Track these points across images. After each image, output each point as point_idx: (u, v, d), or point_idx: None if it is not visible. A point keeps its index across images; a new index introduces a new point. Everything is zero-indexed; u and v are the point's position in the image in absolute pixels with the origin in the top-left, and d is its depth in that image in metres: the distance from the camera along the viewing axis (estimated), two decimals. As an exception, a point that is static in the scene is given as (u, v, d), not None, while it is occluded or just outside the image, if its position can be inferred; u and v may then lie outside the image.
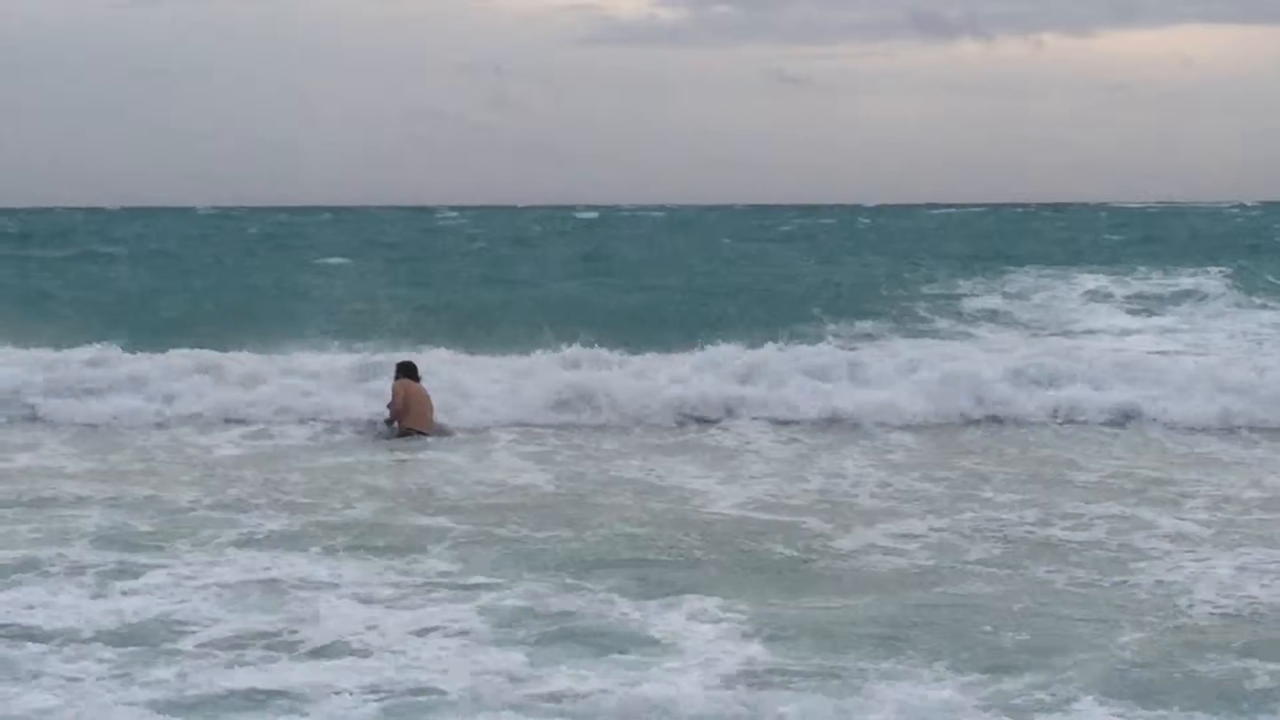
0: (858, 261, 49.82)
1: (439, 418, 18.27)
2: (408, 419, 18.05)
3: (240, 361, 20.73)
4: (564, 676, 8.66)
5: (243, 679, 8.59)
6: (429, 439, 17.78)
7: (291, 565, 11.28)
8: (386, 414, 18.19)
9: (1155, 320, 31.69)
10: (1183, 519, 13.07)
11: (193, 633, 9.52)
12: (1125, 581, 10.92)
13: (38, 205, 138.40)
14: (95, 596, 10.40)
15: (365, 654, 9.10)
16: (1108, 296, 35.52)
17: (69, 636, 9.45)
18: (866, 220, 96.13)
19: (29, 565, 11.26)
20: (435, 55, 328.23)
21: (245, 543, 12.06)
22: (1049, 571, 11.23)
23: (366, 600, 10.30)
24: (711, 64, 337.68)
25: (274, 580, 10.83)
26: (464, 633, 9.56)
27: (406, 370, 18.59)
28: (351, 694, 8.34)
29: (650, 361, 21.08)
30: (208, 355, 20.84)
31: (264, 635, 9.47)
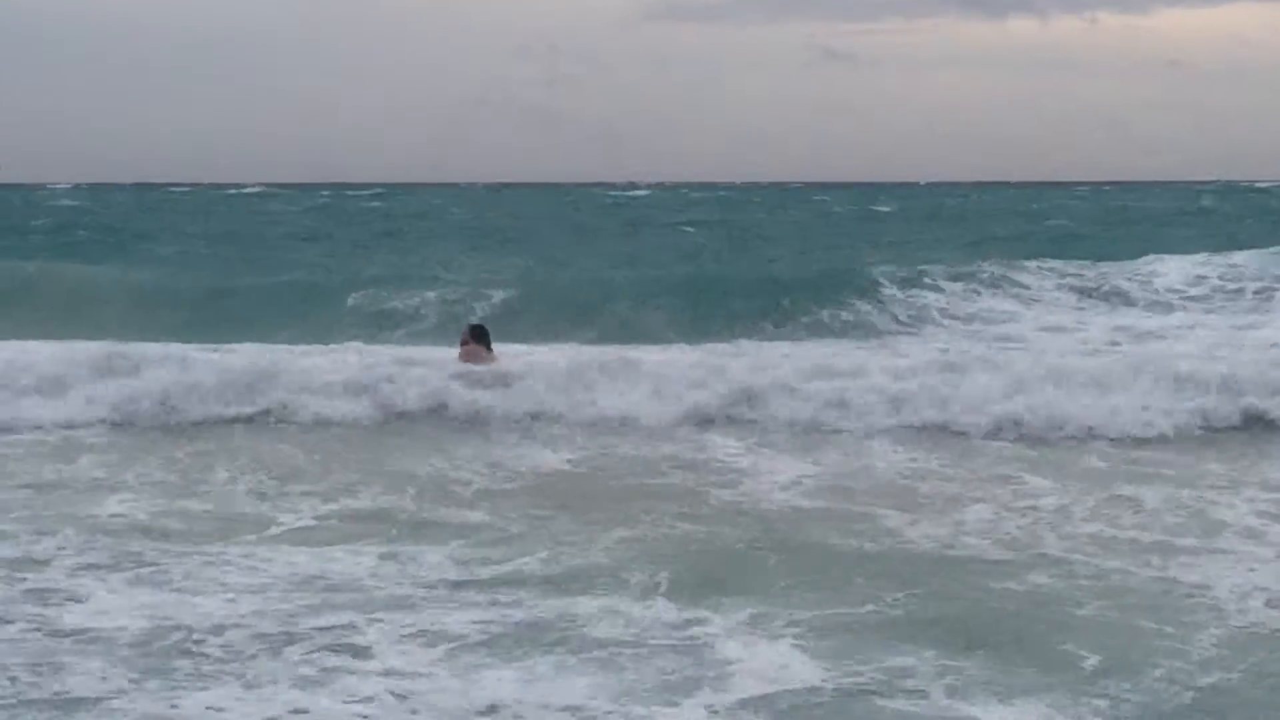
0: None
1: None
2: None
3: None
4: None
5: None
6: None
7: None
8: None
9: None
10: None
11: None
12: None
13: (95, 181, 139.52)
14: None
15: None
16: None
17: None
18: (959, 198, 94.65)
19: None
20: (488, 35, 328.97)
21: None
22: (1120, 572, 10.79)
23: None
24: (757, 41, 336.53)
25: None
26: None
27: (475, 334, 18.92)
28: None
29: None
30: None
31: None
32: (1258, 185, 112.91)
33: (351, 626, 9.20)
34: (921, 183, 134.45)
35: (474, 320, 21.54)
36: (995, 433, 16.46)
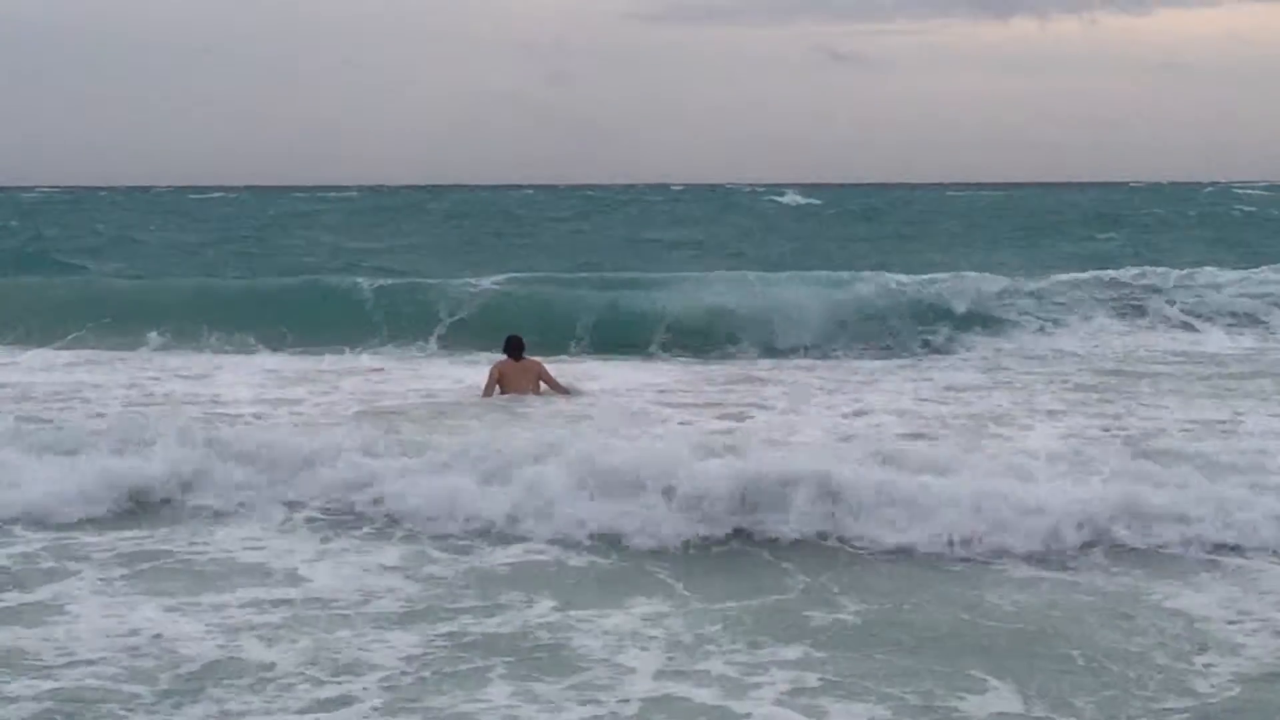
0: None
1: (567, 382, 18.28)
2: (507, 393, 17.87)
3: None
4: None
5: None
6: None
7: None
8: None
9: None
10: None
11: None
12: None
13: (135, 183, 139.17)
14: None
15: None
16: None
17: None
18: (996, 193, 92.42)
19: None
20: (494, 33, 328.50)
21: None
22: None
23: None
24: (762, 41, 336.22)
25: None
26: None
27: (507, 346, 18.37)
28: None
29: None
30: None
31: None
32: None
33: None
34: (924, 183, 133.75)
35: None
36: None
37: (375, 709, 7.96)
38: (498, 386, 18.00)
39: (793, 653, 8.85)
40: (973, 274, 27.98)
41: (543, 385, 18.08)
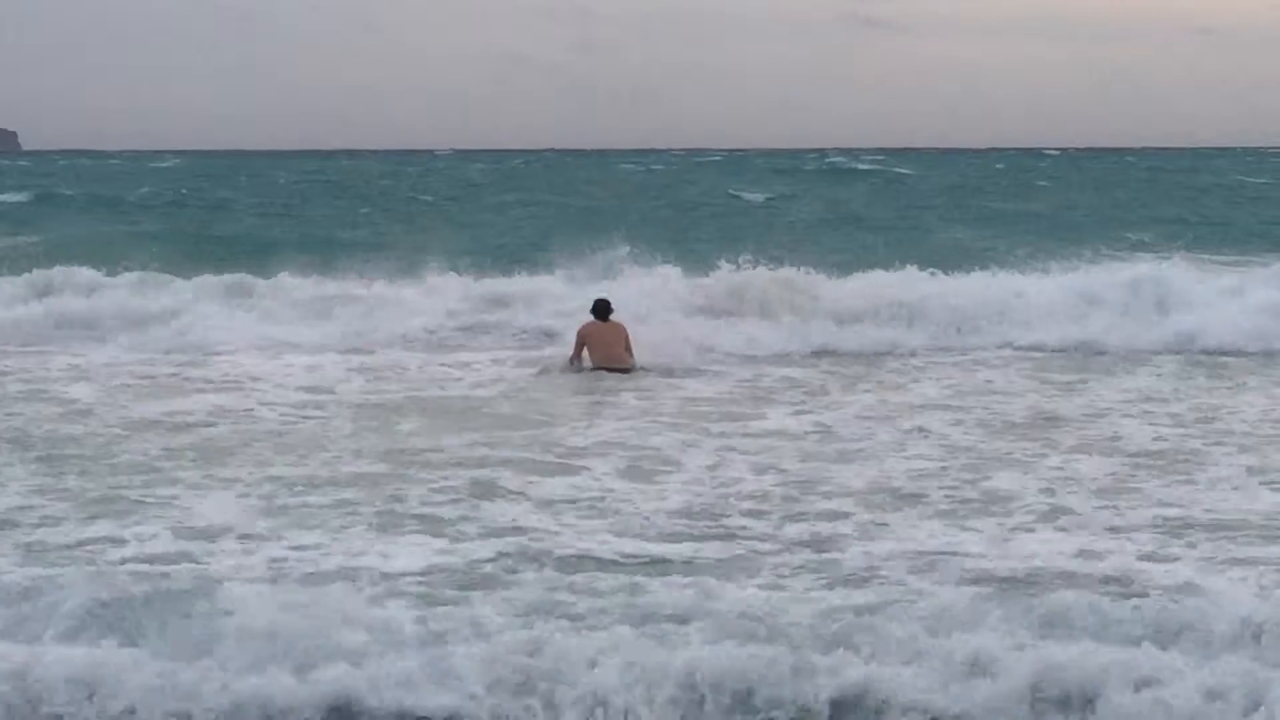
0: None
1: (644, 355, 17.82)
2: (595, 358, 17.68)
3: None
4: None
5: None
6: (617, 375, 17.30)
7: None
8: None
9: None
10: None
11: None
12: None
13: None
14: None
15: None
16: None
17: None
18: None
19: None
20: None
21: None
22: None
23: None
24: (790, 6, 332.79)
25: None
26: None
27: (595, 308, 18.16)
28: None
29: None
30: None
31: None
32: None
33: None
34: (962, 148, 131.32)
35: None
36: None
37: None
38: (585, 351, 17.77)
39: None
40: None
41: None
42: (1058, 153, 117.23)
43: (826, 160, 79.26)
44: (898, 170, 76.68)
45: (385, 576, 8.79)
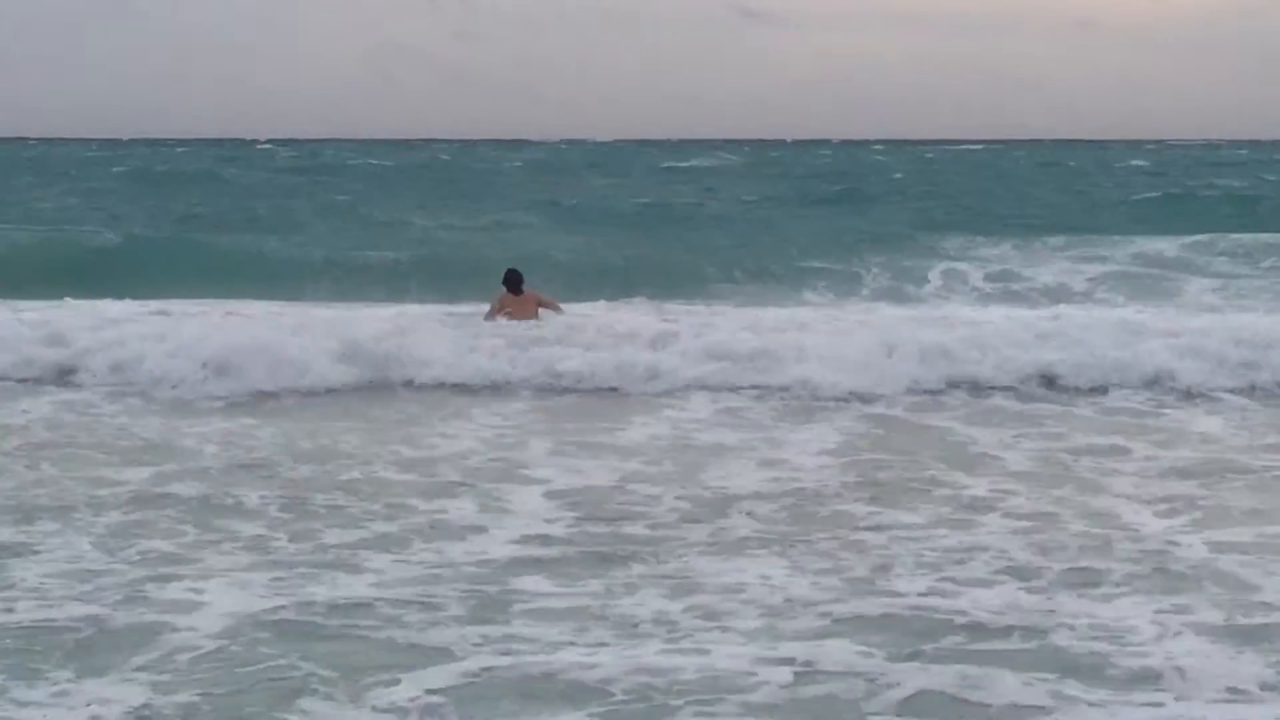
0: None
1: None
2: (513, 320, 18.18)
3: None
4: None
5: None
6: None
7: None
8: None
9: None
10: None
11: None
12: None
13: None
14: None
15: None
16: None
17: None
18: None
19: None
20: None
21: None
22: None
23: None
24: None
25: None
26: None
27: (506, 279, 18.73)
28: None
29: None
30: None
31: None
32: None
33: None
34: (833, 140, 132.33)
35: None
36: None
37: None
38: (500, 315, 18.30)
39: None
40: None
41: (540, 311, 18.44)
42: (882, 146, 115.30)
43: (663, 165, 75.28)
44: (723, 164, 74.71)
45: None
